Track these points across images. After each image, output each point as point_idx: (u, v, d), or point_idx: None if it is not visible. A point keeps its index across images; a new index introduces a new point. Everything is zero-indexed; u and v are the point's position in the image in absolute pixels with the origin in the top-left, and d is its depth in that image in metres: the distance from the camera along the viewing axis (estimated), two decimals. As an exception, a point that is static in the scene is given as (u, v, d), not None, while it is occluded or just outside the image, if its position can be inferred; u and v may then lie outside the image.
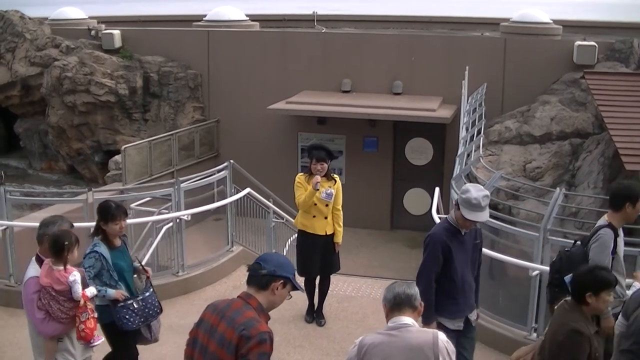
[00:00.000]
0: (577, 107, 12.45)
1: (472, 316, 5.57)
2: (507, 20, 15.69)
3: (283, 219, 10.40)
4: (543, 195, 9.73)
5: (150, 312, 5.43)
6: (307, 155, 7.94)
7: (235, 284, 8.60)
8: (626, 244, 5.58)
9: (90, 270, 5.20)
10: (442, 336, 3.84)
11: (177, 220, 8.60)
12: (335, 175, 7.47)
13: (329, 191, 7.27)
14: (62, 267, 4.84)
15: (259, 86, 15.02)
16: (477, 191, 5.10)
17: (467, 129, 10.68)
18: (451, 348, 3.84)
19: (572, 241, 6.80)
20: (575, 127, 12.04)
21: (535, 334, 6.96)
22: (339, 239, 7.51)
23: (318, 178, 7.15)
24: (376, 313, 7.82)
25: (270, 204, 9.96)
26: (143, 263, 5.89)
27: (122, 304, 5.28)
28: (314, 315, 7.73)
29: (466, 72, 12.54)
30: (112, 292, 5.24)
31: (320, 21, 18.45)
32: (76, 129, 15.17)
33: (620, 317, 5.10)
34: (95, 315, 5.06)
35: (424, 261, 5.35)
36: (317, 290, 7.71)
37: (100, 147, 15.22)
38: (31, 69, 15.48)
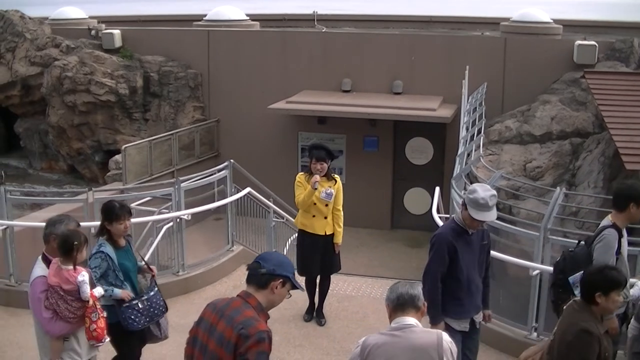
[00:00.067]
0: (577, 106, 12.45)
1: (478, 318, 5.56)
2: (507, 19, 15.69)
3: (283, 219, 10.40)
4: (543, 195, 9.73)
5: (156, 311, 5.43)
6: (307, 155, 7.93)
7: (236, 283, 8.60)
8: (628, 243, 5.57)
9: (97, 270, 5.20)
10: (446, 337, 3.83)
11: (178, 219, 8.60)
12: (335, 176, 7.46)
13: (328, 191, 7.26)
14: (71, 267, 4.83)
15: (259, 86, 15.02)
16: (484, 191, 5.10)
17: (467, 129, 10.67)
18: (454, 349, 3.83)
19: (572, 241, 6.82)
20: (576, 126, 12.04)
21: (535, 334, 6.97)
22: (338, 239, 7.49)
23: (317, 177, 7.14)
24: (376, 312, 7.82)
25: (271, 204, 9.96)
26: (139, 263, 5.88)
27: (127, 304, 5.28)
28: (314, 314, 7.74)
29: (466, 72, 12.54)
30: (118, 292, 5.25)
31: (321, 21, 18.45)
32: (76, 128, 15.17)
33: (633, 320, 5.10)
34: (105, 314, 5.06)
35: (429, 261, 5.34)
36: (317, 289, 7.71)
37: (101, 147, 15.23)
38: (31, 69, 15.49)
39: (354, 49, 14.74)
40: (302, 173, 7.47)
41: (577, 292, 5.17)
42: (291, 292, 3.75)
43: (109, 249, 5.29)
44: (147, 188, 10.84)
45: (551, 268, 6.59)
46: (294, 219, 8.29)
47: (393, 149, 14.76)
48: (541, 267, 6.75)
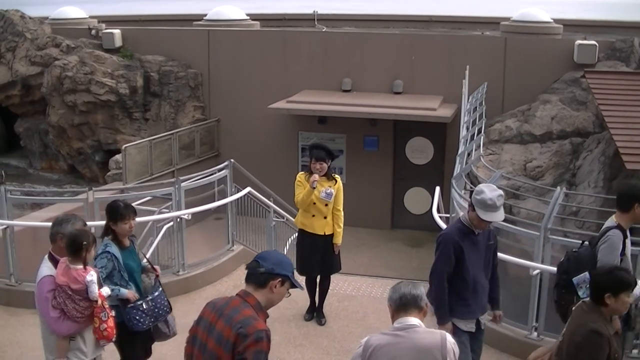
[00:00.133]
0: (577, 106, 12.45)
1: (483, 318, 5.56)
2: (507, 19, 15.68)
3: (284, 218, 10.40)
4: (543, 195, 9.72)
5: (160, 311, 5.43)
6: (307, 155, 7.94)
7: (236, 283, 8.61)
8: (630, 243, 5.57)
9: (103, 270, 5.19)
10: (449, 338, 3.83)
11: (178, 219, 8.60)
12: (336, 176, 7.46)
13: (328, 191, 7.26)
14: (79, 266, 4.83)
15: (259, 85, 15.01)
16: (491, 191, 5.10)
17: (467, 128, 10.67)
18: (457, 350, 3.83)
19: (573, 240, 6.83)
20: (576, 126, 12.04)
21: (535, 333, 6.97)
22: (338, 239, 7.48)
23: (316, 177, 7.14)
24: (377, 312, 7.83)
25: (271, 203, 9.97)
26: (143, 263, 5.88)
27: (132, 304, 5.28)
28: (314, 313, 7.74)
29: (467, 71, 12.53)
30: (125, 292, 5.26)
31: (321, 20, 18.44)
32: (76, 128, 15.17)
33: None
34: (113, 313, 5.07)
35: (436, 261, 5.34)
36: (317, 289, 7.71)
37: (101, 147, 15.22)
38: (31, 69, 15.48)
39: (354, 49, 14.73)
40: (302, 172, 7.47)
41: (581, 292, 5.17)
42: (291, 291, 3.75)
43: (114, 249, 5.28)
44: (147, 188, 10.84)
45: (551, 268, 6.60)
46: (294, 218, 8.29)
47: (393, 149, 14.76)
48: (541, 267, 6.74)
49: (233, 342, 3.48)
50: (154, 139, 13.62)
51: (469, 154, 9.72)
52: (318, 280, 7.66)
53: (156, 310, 5.39)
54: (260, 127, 15.00)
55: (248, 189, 9.61)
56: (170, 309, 5.55)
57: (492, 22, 17.22)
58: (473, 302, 5.38)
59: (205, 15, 17.07)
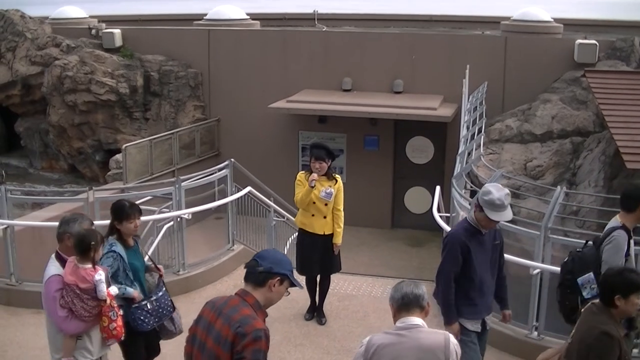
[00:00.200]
0: (578, 105, 12.45)
1: (488, 318, 5.56)
2: (507, 18, 15.67)
3: (284, 218, 10.40)
4: (544, 194, 9.73)
5: (164, 311, 5.43)
6: (308, 154, 7.94)
7: (236, 282, 8.60)
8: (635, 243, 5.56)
9: (109, 270, 5.19)
10: (452, 338, 3.83)
11: (178, 219, 8.60)
12: (336, 175, 7.45)
13: (328, 190, 7.26)
14: (88, 265, 4.83)
15: (259, 85, 15.01)
16: (498, 191, 5.11)
17: (467, 128, 10.67)
18: (459, 351, 3.83)
19: (573, 240, 6.83)
20: (576, 125, 12.04)
21: (536, 333, 6.97)
22: (337, 239, 7.46)
23: (315, 176, 7.14)
24: (377, 312, 7.83)
25: (271, 203, 9.97)
26: (147, 262, 5.89)
27: (136, 305, 5.28)
28: (314, 313, 7.74)
29: (467, 71, 12.53)
30: (131, 291, 5.26)
31: (321, 20, 18.44)
32: (77, 128, 15.17)
33: None
34: (122, 312, 5.07)
35: (443, 261, 5.34)
36: (317, 288, 7.71)
37: (101, 146, 15.22)
38: (32, 68, 15.48)
39: (355, 48, 14.73)
40: (302, 172, 7.47)
41: (585, 293, 5.16)
42: (291, 290, 3.75)
43: (120, 249, 5.28)
44: (147, 187, 10.85)
45: (552, 267, 6.61)
46: (294, 218, 8.29)
47: (394, 148, 14.76)
48: (542, 266, 6.74)
49: (231, 342, 3.48)
50: (154, 139, 13.62)
51: (469, 154, 9.73)
52: (318, 279, 7.66)
53: (160, 310, 5.39)
54: (261, 127, 15.00)
55: (248, 188, 9.61)
56: (174, 308, 5.54)
57: (492, 22, 17.20)
58: (480, 302, 5.38)
59: (206, 14, 17.07)
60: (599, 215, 8.64)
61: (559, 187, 7.89)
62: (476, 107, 11.41)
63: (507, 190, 5.19)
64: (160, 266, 5.71)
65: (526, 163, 11.44)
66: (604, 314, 4.17)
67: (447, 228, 8.13)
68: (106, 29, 16.09)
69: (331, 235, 7.43)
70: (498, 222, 5.23)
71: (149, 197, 9.45)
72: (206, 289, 8.57)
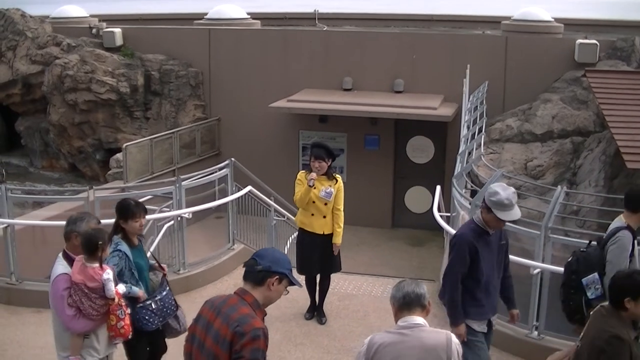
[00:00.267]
0: (578, 105, 12.44)
1: (494, 319, 5.56)
2: (508, 18, 15.66)
3: (284, 217, 10.40)
4: (544, 194, 9.73)
5: (168, 311, 5.41)
6: (308, 153, 7.94)
7: (236, 281, 8.59)
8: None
9: (114, 269, 5.19)
10: (454, 338, 3.83)
11: (179, 218, 8.60)
12: (337, 175, 7.44)
13: (328, 190, 7.25)
14: (96, 265, 4.83)
15: (260, 84, 15.01)
16: (504, 190, 5.11)
17: (468, 127, 10.67)
18: (461, 351, 3.83)
19: (573, 240, 6.83)
20: (577, 125, 12.04)
21: (536, 332, 6.97)
22: (337, 239, 7.44)
23: (313, 175, 7.13)
24: (377, 311, 7.83)
25: (272, 202, 9.96)
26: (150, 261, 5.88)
27: (141, 304, 5.27)
28: (314, 312, 7.74)
29: (467, 71, 12.53)
30: (136, 290, 5.25)
31: (322, 19, 18.44)
32: (77, 127, 15.17)
33: None
34: (129, 311, 5.07)
35: (450, 262, 5.33)
36: (317, 288, 7.71)
37: (102, 145, 15.23)
38: (32, 67, 15.48)
39: (355, 48, 14.73)
40: (303, 171, 7.48)
41: (589, 293, 5.16)
42: (291, 290, 3.75)
43: (125, 248, 5.27)
44: (148, 186, 10.86)
45: (552, 267, 6.61)
46: (294, 217, 8.29)
47: (394, 148, 14.76)
48: (542, 266, 6.74)
49: (230, 341, 3.48)
50: (154, 138, 13.62)
51: (469, 153, 9.73)
52: (318, 279, 7.66)
53: (164, 309, 5.38)
54: (261, 126, 15.00)
55: (249, 187, 9.61)
56: (177, 307, 5.54)
57: (493, 21, 17.20)
58: (486, 303, 5.38)
59: (206, 14, 17.06)
60: (600, 215, 8.65)
61: (559, 186, 7.89)
62: (477, 106, 11.41)
63: (512, 189, 5.19)
64: (164, 265, 5.70)
65: (526, 163, 11.44)
66: (614, 316, 4.13)
67: (448, 228, 8.14)
68: (107, 28, 16.08)
69: (331, 235, 7.41)
70: (507, 222, 5.23)
71: (149, 197, 9.44)
72: (206, 288, 8.57)
